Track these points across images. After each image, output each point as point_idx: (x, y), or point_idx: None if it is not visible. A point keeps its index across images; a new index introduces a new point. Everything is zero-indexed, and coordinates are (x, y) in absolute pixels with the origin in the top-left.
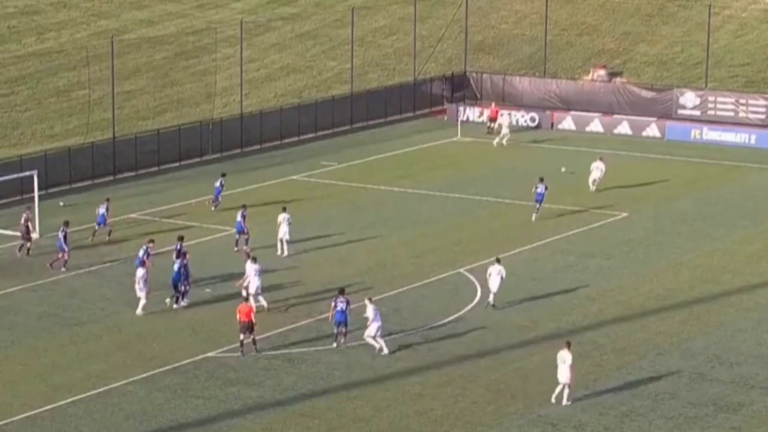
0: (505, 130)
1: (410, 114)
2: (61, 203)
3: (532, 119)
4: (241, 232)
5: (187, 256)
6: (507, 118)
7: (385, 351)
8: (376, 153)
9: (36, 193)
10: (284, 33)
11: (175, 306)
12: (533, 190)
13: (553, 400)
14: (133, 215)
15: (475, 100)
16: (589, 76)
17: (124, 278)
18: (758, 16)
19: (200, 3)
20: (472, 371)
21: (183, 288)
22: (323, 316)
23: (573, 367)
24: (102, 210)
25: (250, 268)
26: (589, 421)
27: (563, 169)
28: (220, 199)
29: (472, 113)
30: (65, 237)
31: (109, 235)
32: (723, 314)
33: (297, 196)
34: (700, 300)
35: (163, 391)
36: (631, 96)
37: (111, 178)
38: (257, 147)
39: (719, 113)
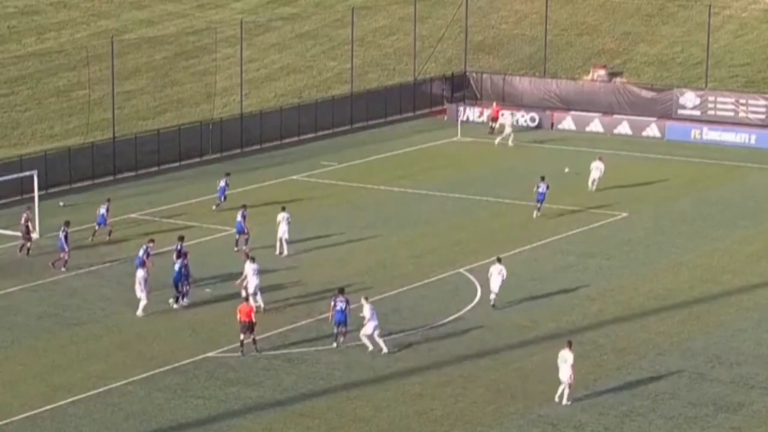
0: (507, 130)
1: (410, 114)
2: (61, 203)
3: (532, 119)
4: (241, 232)
5: (188, 256)
6: (509, 117)
7: (385, 351)
8: (376, 153)
9: (36, 193)
10: (284, 33)
11: (175, 306)
12: (535, 189)
13: (556, 399)
14: (133, 215)
15: (475, 100)
16: (589, 76)
17: (124, 278)
18: (758, 16)
19: (200, 3)
20: (472, 371)
21: (183, 288)
22: (323, 316)
23: (574, 367)
24: (102, 210)
25: (249, 267)
26: (589, 421)
27: (566, 170)
28: (224, 198)
29: (472, 113)
30: (66, 237)
31: (109, 235)
32: (723, 314)
33: (297, 196)
34: (700, 300)
35: (163, 391)
36: (631, 96)
37: (111, 178)
38: (257, 147)
39: (719, 113)
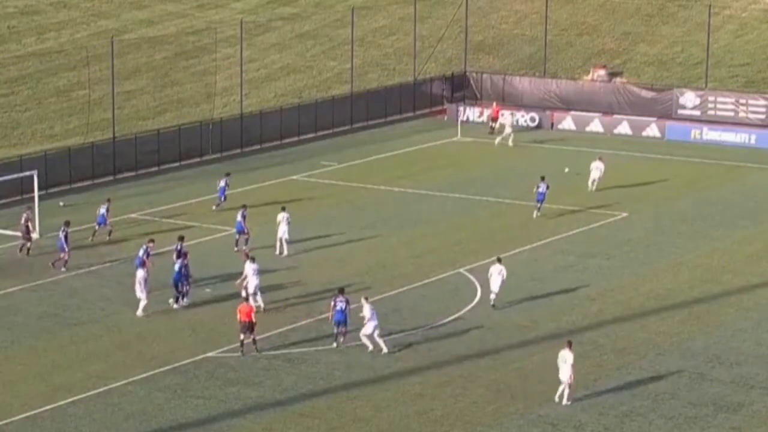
0: (508, 130)
1: (410, 114)
2: (61, 203)
3: (532, 119)
4: (241, 232)
5: (188, 256)
6: (509, 117)
7: (385, 351)
8: (376, 153)
9: (36, 193)
10: (284, 33)
11: (175, 306)
12: (535, 189)
13: (556, 399)
14: (133, 215)
15: (475, 100)
16: (589, 76)
17: (124, 278)
18: (758, 16)
19: (200, 3)
20: (472, 371)
21: (183, 288)
22: (323, 316)
23: (574, 367)
24: (102, 210)
25: (249, 267)
26: (589, 421)
27: (566, 170)
28: (224, 198)
29: (472, 113)
30: (66, 237)
31: (109, 235)
32: (723, 314)
33: (297, 196)
34: (700, 300)
35: (163, 391)
36: (631, 96)
37: (111, 178)
38: (257, 147)
39: (719, 113)
